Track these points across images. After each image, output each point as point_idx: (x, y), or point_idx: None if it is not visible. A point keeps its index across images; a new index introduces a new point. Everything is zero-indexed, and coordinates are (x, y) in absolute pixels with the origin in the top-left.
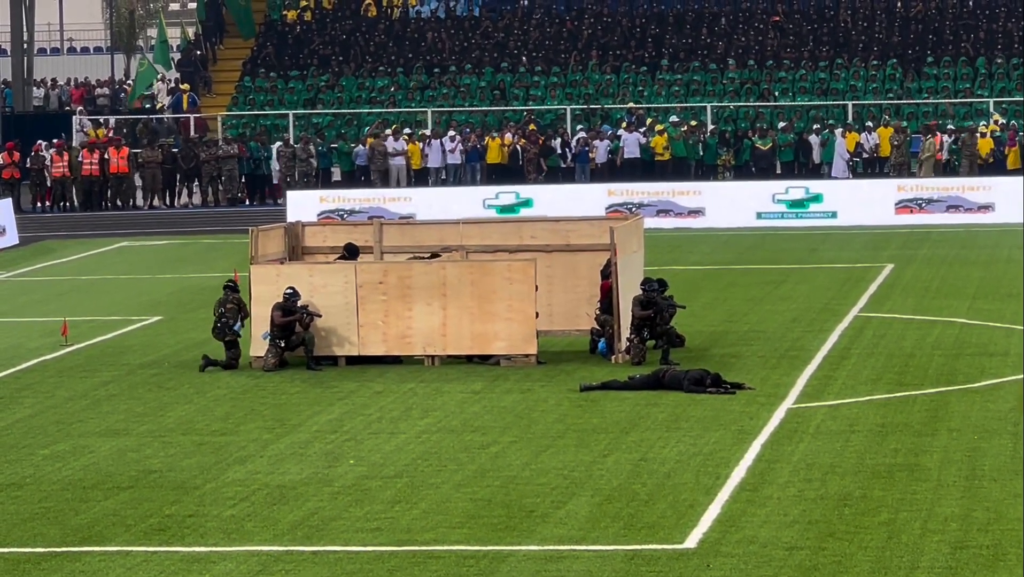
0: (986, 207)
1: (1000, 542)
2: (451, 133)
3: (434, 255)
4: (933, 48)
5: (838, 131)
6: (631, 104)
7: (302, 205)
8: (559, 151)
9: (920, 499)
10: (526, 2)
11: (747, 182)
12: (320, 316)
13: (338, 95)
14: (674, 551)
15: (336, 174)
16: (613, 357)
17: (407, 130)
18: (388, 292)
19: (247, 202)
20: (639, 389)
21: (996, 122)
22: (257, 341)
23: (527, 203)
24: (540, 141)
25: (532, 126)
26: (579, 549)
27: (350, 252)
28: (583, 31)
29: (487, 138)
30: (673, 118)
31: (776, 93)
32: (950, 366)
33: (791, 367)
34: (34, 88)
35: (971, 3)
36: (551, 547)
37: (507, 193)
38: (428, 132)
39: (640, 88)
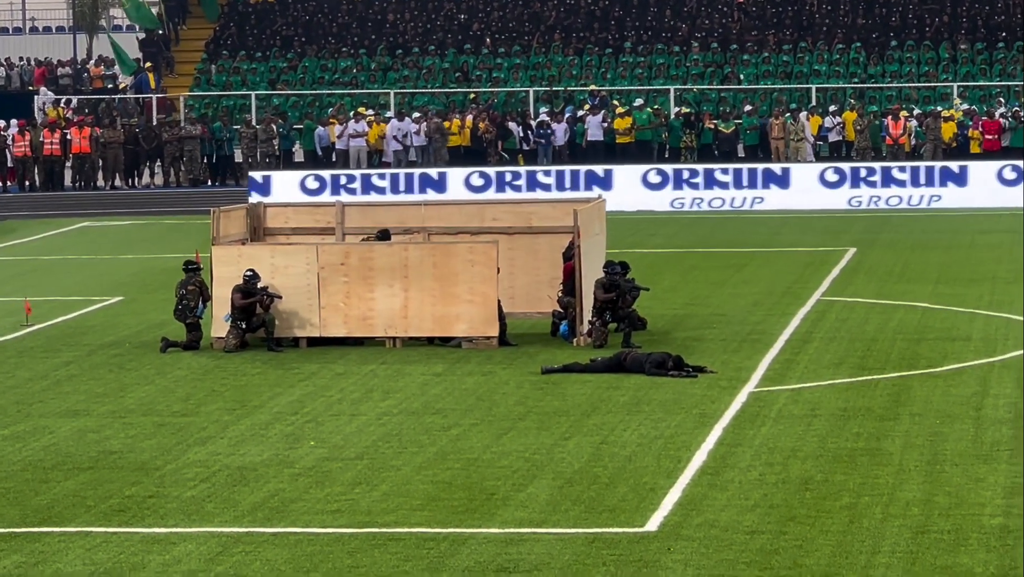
0: None
1: (961, 527)
2: (415, 115)
3: (383, 235)
4: (897, 32)
5: (802, 114)
6: (593, 86)
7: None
8: (521, 134)
9: (882, 483)
10: None
11: None
12: (280, 297)
13: (301, 76)
14: (635, 534)
15: (299, 155)
16: (575, 340)
17: (370, 111)
18: (350, 274)
19: (209, 183)
20: (601, 372)
21: (957, 107)
22: (218, 322)
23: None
24: (490, 123)
25: (479, 110)
26: (540, 532)
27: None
28: (547, 13)
29: (446, 121)
30: (638, 101)
31: (740, 76)
32: (912, 350)
33: (753, 351)
34: None
35: None
36: (511, 530)
37: None
38: (391, 113)
39: (603, 70)
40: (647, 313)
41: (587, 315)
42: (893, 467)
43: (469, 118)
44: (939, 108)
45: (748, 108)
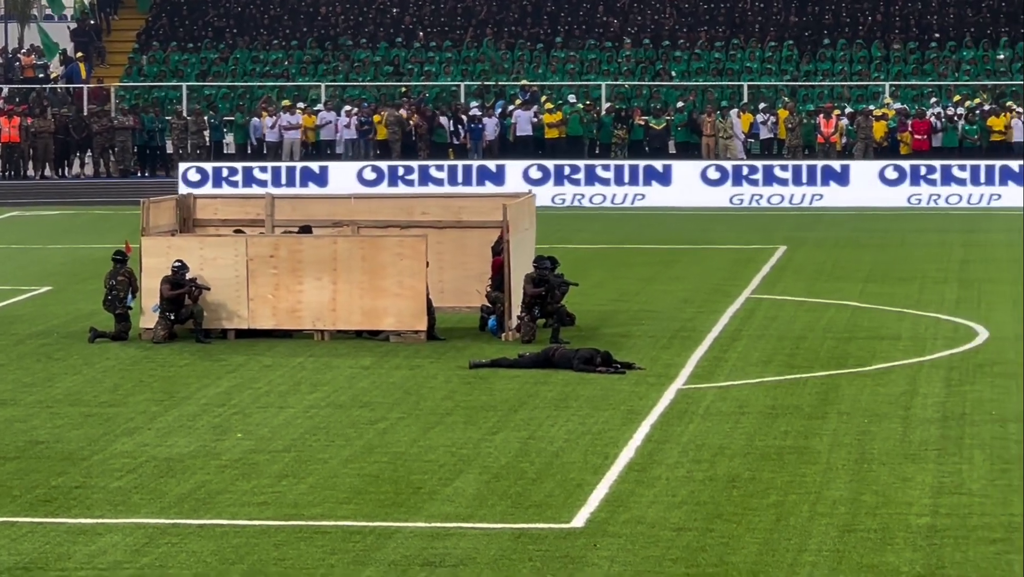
0: None
1: (888, 525)
2: (347, 108)
3: (304, 229)
4: (830, 31)
5: (733, 112)
6: (524, 81)
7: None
8: (452, 128)
9: (809, 482)
10: None
11: None
12: (208, 289)
13: (232, 68)
14: (561, 530)
15: (229, 147)
16: (503, 335)
17: (300, 104)
18: (279, 266)
19: (139, 173)
20: (529, 367)
21: (888, 105)
22: (147, 313)
23: None
24: (420, 117)
25: (410, 103)
26: (466, 527)
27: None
28: (478, 7)
29: (375, 115)
30: (571, 97)
31: (672, 72)
32: (841, 349)
33: (682, 348)
34: None
35: None
36: (438, 524)
37: None
38: (322, 106)
39: (535, 65)
40: (576, 309)
41: (516, 310)
42: (821, 465)
43: (402, 112)
44: (871, 107)
45: (680, 104)
